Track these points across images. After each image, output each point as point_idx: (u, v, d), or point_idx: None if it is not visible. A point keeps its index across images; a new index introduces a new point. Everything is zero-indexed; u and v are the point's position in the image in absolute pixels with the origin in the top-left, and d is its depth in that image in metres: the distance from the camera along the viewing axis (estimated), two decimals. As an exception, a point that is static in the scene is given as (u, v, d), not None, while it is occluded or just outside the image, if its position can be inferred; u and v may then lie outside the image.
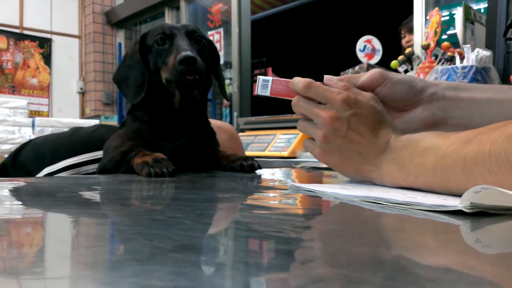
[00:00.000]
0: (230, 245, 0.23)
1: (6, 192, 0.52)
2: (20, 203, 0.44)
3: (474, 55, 1.18)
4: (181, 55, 0.71)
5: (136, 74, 0.79)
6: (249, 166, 0.81)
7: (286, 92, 0.60)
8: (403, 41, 2.53)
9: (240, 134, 2.14)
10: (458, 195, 0.43)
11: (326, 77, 0.59)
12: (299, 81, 0.57)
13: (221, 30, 3.64)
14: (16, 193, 0.52)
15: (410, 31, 2.41)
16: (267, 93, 0.60)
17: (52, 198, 0.47)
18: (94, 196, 0.50)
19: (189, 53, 0.71)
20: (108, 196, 0.51)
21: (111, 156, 0.78)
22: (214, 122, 0.95)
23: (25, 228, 0.31)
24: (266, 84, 0.60)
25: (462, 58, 1.26)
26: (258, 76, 0.61)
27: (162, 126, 0.82)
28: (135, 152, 0.74)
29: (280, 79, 0.61)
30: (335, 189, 0.50)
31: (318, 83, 0.57)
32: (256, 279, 0.17)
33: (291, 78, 0.61)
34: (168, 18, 4.22)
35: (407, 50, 1.61)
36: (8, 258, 0.21)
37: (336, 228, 0.32)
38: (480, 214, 0.34)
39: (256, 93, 0.61)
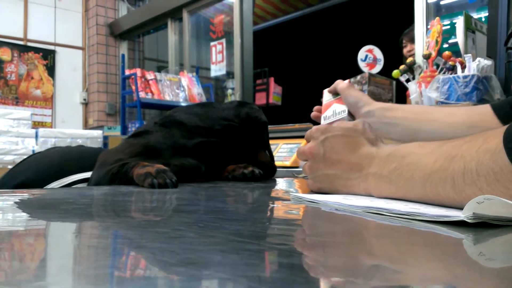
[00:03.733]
0: (233, 259, 0.24)
1: (10, 204, 0.52)
2: (23, 214, 0.44)
3: (475, 64, 1.19)
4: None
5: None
6: (251, 172, 0.84)
7: None
8: (405, 51, 2.56)
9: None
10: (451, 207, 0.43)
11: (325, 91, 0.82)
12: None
13: (223, 41, 3.66)
14: (19, 205, 0.52)
15: (412, 40, 2.43)
16: None
17: (55, 210, 0.47)
18: (98, 208, 0.51)
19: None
20: (112, 208, 0.51)
21: (108, 168, 0.77)
22: None
23: (28, 240, 0.31)
24: None
25: (463, 67, 1.26)
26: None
27: (191, 153, 0.84)
28: (133, 163, 0.74)
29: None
30: (337, 199, 0.50)
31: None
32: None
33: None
34: (171, 30, 4.25)
35: (409, 60, 1.62)
36: (11, 271, 0.22)
37: (338, 240, 0.32)
38: (483, 225, 0.34)
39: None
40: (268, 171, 0.94)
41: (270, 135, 2.04)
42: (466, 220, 0.34)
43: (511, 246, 0.32)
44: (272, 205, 0.54)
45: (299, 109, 4.46)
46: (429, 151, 0.46)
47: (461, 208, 0.40)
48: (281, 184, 0.95)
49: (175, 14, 4.15)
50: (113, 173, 0.75)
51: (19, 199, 0.57)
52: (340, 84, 0.80)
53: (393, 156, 0.50)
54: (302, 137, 1.84)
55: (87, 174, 0.88)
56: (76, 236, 0.32)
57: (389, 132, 0.74)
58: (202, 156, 0.85)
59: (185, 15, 4.00)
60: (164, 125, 0.86)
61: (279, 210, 0.49)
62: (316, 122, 0.85)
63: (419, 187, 0.46)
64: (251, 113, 0.91)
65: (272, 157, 1.00)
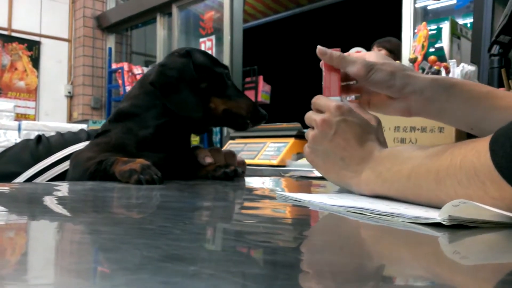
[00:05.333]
0: (218, 255, 0.24)
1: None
2: (6, 209, 0.44)
3: (459, 69, 1.21)
4: (263, 112, 0.88)
5: (189, 90, 0.81)
6: (233, 172, 0.82)
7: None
8: None
9: (230, 141, 2.15)
10: (428, 205, 0.45)
11: (319, 48, 0.60)
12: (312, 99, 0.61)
13: (213, 37, 3.65)
14: (1, 199, 0.52)
15: (381, 47, 2.57)
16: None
17: (39, 205, 0.47)
18: (82, 204, 0.51)
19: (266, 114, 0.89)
20: (96, 204, 0.51)
21: (85, 167, 0.75)
22: None
23: (9, 234, 0.31)
24: None
25: (447, 72, 1.29)
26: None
27: (154, 141, 0.81)
28: (112, 160, 0.73)
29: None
30: (322, 199, 0.51)
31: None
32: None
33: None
34: (160, 24, 4.22)
35: (395, 63, 1.65)
36: None
37: (321, 238, 0.33)
38: (458, 227, 0.35)
39: None
40: (237, 118, 0.86)
41: (257, 134, 2.04)
42: (442, 222, 0.36)
43: (484, 245, 0.34)
44: (257, 203, 0.55)
45: (287, 108, 4.48)
46: (425, 148, 0.48)
47: (437, 207, 0.42)
48: (267, 182, 0.96)
49: (164, 8, 4.12)
50: (91, 171, 0.74)
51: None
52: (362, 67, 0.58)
53: (389, 156, 0.52)
54: (290, 136, 1.85)
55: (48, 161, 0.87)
56: (61, 231, 0.32)
57: (439, 115, 0.63)
58: (167, 141, 0.82)
59: (174, 10, 3.98)
60: (117, 120, 0.84)
61: (264, 208, 0.50)
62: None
63: (404, 178, 0.47)
64: (152, 80, 0.81)
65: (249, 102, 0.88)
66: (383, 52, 2.68)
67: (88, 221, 0.36)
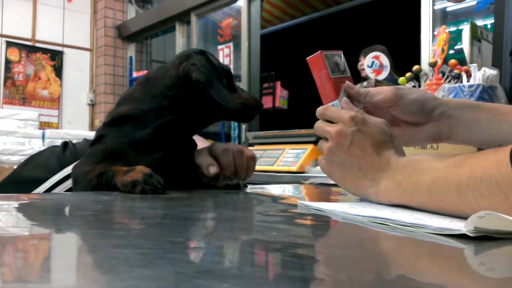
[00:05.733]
0: (248, 271, 0.25)
1: (17, 210, 0.53)
2: (35, 223, 0.45)
3: (480, 74, 1.20)
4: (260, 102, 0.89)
5: (222, 85, 0.81)
6: (235, 185, 0.79)
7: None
8: (359, 64, 2.86)
9: (249, 148, 2.16)
10: (452, 216, 0.45)
11: (343, 100, 0.62)
12: (317, 110, 0.62)
13: (231, 44, 3.68)
14: (26, 211, 0.54)
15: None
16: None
17: (69, 216, 0.49)
18: (108, 215, 0.52)
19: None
20: (122, 215, 0.52)
21: (85, 182, 0.75)
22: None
23: (44, 249, 0.33)
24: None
25: (468, 76, 1.27)
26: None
27: (153, 142, 0.78)
28: (111, 172, 0.72)
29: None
30: (344, 208, 0.51)
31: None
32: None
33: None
34: (179, 33, 4.28)
35: (415, 67, 1.63)
36: (34, 280, 0.23)
37: (344, 251, 0.34)
38: (483, 238, 0.35)
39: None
40: (251, 110, 0.86)
41: (277, 140, 2.05)
42: (467, 234, 0.36)
43: (510, 257, 0.34)
44: (280, 214, 0.56)
45: (305, 114, 4.46)
46: (442, 158, 0.48)
47: (460, 217, 0.42)
48: (287, 189, 0.97)
49: (183, 17, 4.18)
50: (93, 185, 0.74)
51: (23, 204, 0.59)
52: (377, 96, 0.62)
53: (407, 165, 0.52)
54: (308, 142, 1.85)
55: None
56: (89, 246, 0.33)
57: (469, 136, 0.63)
58: (165, 142, 0.79)
59: (193, 18, 4.03)
60: (113, 123, 0.81)
61: (287, 218, 0.51)
62: None
63: (424, 190, 0.47)
64: (190, 71, 0.78)
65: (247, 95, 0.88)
66: None
67: (118, 234, 0.37)
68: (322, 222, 0.49)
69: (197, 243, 0.31)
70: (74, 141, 1.02)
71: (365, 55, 2.74)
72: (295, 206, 0.60)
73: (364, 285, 0.23)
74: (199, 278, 0.22)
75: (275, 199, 0.79)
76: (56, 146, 1.00)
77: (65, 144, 0.98)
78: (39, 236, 0.37)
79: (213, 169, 0.80)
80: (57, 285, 0.22)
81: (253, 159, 0.89)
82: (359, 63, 2.84)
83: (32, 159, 0.99)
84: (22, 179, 0.95)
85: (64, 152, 0.96)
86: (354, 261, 0.30)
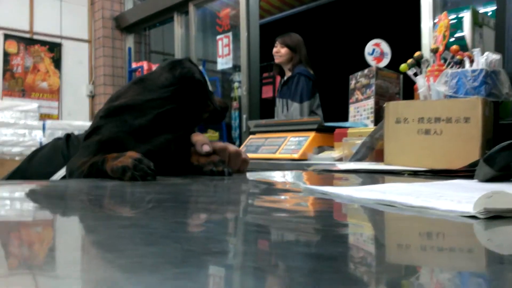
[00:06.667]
0: (258, 249, 0.25)
1: (27, 195, 0.53)
2: (39, 206, 0.45)
3: (483, 58, 1.19)
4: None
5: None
6: (219, 171, 0.79)
7: None
8: (274, 50, 2.89)
9: (251, 136, 2.15)
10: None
11: None
12: None
13: (230, 34, 3.66)
14: (36, 196, 0.54)
15: (283, 44, 2.84)
16: None
17: (72, 200, 0.49)
18: (110, 199, 0.52)
19: None
20: (124, 199, 0.52)
21: (78, 173, 0.75)
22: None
23: (54, 230, 0.32)
24: None
25: (471, 61, 1.26)
26: None
27: (152, 129, 0.79)
28: (101, 160, 0.72)
29: None
30: (349, 192, 0.51)
31: None
32: (287, 282, 0.18)
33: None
34: (177, 23, 4.25)
35: (417, 53, 1.61)
36: (34, 258, 0.23)
37: (355, 230, 0.33)
38: (493, 217, 0.35)
39: None
40: (225, 111, 0.96)
41: (278, 128, 2.04)
42: (477, 215, 0.35)
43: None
44: (285, 197, 0.55)
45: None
46: None
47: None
48: (288, 176, 0.96)
49: (181, 7, 4.15)
50: (85, 175, 0.74)
51: (32, 190, 0.59)
52: None
53: None
54: (311, 130, 1.84)
55: None
56: (96, 226, 0.33)
57: None
58: (164, 129, 0.80)
59: (191, 8, 3.99)
60: (111, 114, 0.80)
61: (292, 201, 0.50)
62: None
63: None
64: (184, 73, 0.83)
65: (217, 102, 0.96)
66: (284, 49, 2.82)
67: (121, 216, 0.37)
68: (329, 205, 0.48)
69: (202, 223, 0.31)
70: (76, 133, 1.01)
71: (281, 42, 2.84)
72: (298, 191, 0.59)
73: (377, 263, 0.23)
74: (206, 255, 0.21)
75: (276, 183, 0.79)
76: (59, 139, 0.99)
77: (68, 136, 0.98)
78: (42, 219, 0.37)
79: (206, 147, 0.81)
80: (62, 262, 0.22)
81: (246, 162, 0.93)
82: (275, 49, 2.86)
83: (35, 154, 0.98)
84: (27, 174, 0.94)
85: (68, 145, 0.95)
86: (364, 238, 0.29)
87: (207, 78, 0.93)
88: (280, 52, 2.83)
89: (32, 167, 0.95)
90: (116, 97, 0.85)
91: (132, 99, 0.82)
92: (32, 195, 0.55)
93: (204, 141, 0.83)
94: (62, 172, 0.87)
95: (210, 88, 0.94)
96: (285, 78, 2.85)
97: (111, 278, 0.19)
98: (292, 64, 2.82)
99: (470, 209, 0.37)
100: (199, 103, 0.87)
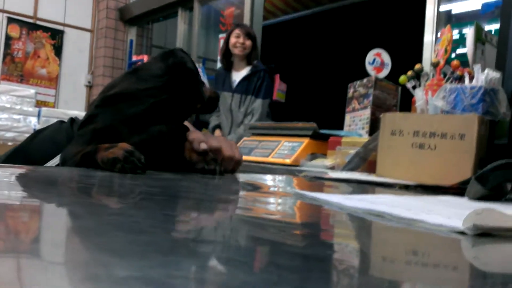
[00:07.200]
0: (248, 244, 0.24)
1: (14, 180, 0.53)
2: (29, 192, 0.45)
3: (483, 75, 1.19)
4: None
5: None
6: (210, 170, 0.80)
7: None
8: (236, 39, 2.68)
9: (245, 138, 2.15)
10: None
11: None
12: None
13: (232, 33, 3.65)
14: (30, 182, 0.53)
15: (246, 35, 2.65)
16: None
17: (62, 187, 0.48)
18: (100, 189, 0.51)
19: None
20: (114, 189, 0.52)
21: (71, 163, 0.75)
22: None
23: (45, 217, 0.32)
24: None
25: (471, 78, 1.26)
26: None
27: (147, 118, 0.79)
28: (93, 149, 0.72)
29: None
30: (339, 200, 0.51)
31: None
32: (271, 276, 0.18)
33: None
34: (181, 19, 4.24)
35: (417, 66, 1.62)
36: (22, 242, 0.22)
37: (343, 235, 0.33)
38: (481, 234, 0.35)
39: None
40: (216, 101, 0.97)
41: (272, 132, 2.04)
42: (466, 231, 0.35)
43: (505, 254, 0.33)
44: (275, 201, 0.55)
45: (302, 108, 4.45)
46: None
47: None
48: (279, 180, 0.96)
49: (186, 3, 4.14)
50: (77, 164, 0.73)
51: (23, 175, 0.58)
52: None
53: None
54: (305, 136, 1.84)
55: None
56: (84, 214, 0.32)
57: None
58: (158, 119, 0.80)
59: (196, 5, 3.99)
60: (106, 103, 0.80)
61: (281, 206, 0.50)
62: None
63: None
64: (177, 62, 0.84)
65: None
66: (249, 42, 2.69)
67: (110, 205, 0.37)
68: (318, 212, 0.48)
69: (190, 216, 0.31)
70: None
71: (246, 33, 2.67)
72: (287, 195, 0.59)
73: (362, 267, 0.23)
74: (194, 244, 0.21)
75: (267, 186, 0.79)
76: (62, 122, 1.00)
77: (72, 120, 0.98)
78: (30, 205, 0.36)
79: (203, 145, 0.83)
80: (49, 246, 0.22)
81: (239, 163, 0.93)
82: (238, 40, 2.68)
83: (36, 135, 0.98)
84: (28, 154, 0.93)
85: (72, 127, 0.95)
86: (349, 246, 0.29)
87: (200, 70, 0.95)
88: (245, 44, 2.67)
89: (34, 146, 0.94)
90: (110, 86, 0.85)
91: (126, 88, 0.82)
92: (21, 180, 0.54)
93: (202, 139, 0.84)
94: (56, 160, 0.86)
95: (203, 78, 0.95)
96: (246, 73, 2.71)
97: (101, 260, 0.18)
98: (252, 59, 2.72)
99: (459, 224, 0.36)
100: (192, 93, 0.87)
